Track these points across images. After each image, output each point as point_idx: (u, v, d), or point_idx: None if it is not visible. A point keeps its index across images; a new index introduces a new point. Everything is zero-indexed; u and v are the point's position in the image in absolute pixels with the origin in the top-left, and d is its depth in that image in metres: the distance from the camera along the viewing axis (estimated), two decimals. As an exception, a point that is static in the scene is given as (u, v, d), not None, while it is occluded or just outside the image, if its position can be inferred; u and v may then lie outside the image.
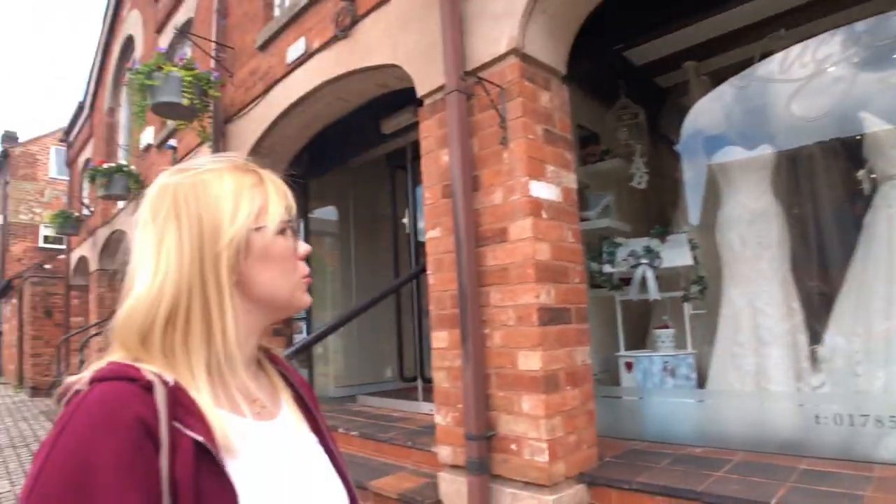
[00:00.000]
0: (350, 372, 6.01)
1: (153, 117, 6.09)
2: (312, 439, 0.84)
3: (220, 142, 5.51)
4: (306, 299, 0.81)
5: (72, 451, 0.58)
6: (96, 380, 0.64)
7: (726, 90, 3.79)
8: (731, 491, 2.21)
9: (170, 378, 0.66)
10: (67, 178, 14.51)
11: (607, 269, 3.62)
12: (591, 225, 4.00)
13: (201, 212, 0.72)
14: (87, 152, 11.51)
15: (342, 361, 6.13)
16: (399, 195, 6.01)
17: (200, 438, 0.64)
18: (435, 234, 3.09)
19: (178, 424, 0.63)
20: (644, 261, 3.45)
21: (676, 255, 3.47)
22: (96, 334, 9.26)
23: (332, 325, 3.19)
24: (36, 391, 12.61)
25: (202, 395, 0.68)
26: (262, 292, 0.76)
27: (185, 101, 4.76)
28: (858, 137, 3.13)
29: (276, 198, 0.78)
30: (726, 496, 2.18)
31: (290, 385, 0.86)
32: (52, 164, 18.82)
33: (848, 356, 2.81)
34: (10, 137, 19.30)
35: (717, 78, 3.94)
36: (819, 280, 3.57)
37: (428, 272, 3.10)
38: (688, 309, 3.50)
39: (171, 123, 6.41)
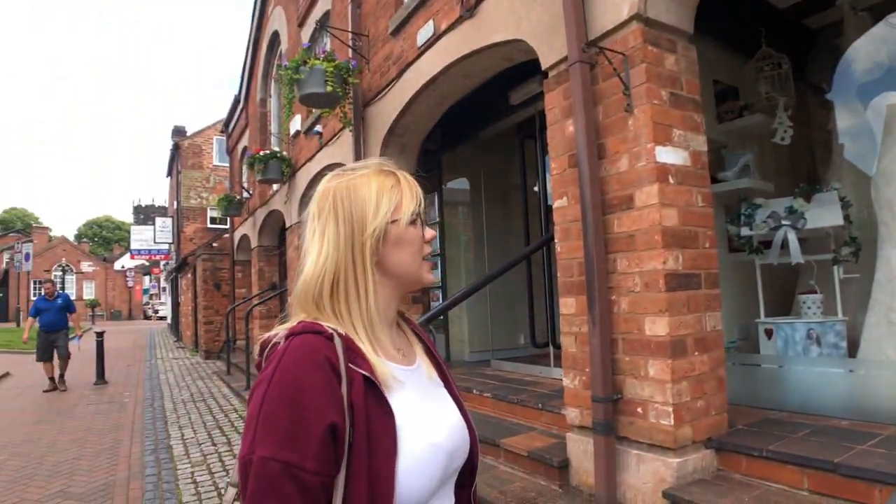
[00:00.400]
0: (484, 338, 6.29)
1: (300, 107, 6.70)
2: (441, 384, 1.05)
3: (359, 125, 5.96)
4: (430, 277, 1.00)
5: (288, 379, 0.81)
6: (293, 334, 0.88)
7: (888, 28, 3.41)
8: (872, 464, 2.12)
9: (342, 332, 0.90)
10: (228, 165, 16.28)
11: (745, 231, 3.47)
12: (730, 186, 3.84)
13: (353, 209, 0.95)
14: (244, 141, 12.82)
15: (477, 328, 6.43)
16: (529, 164, 6.08)
17: (368, 374, 0.86)
18: (562, 203, 3.17)
19: (351, 365, 0.86)
20: (786, 222, 3.27)
21: (825, 214, 3.24)
22: (258, 304, 10.43)
23: (461, 293, 3.41)
24: (209, 354, 14.34)
25: (364, 345, 0.91)
26: (396, 270, 0.97)
27: (327, 90, 5.21)
28: None
29: (409, 196, 0.98)
30: (865, 468, 2.10)
31: (422, 341, 1.09)
32: (215, 153, 21.20)
33: None
34: (179, 132, 21.98)
35: (878, 14, 3.55)
36: None
37: (556, 240, 3.21)
38: (838, 273, 3.27)
39: (316, 111, 6.99)
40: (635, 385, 2.67)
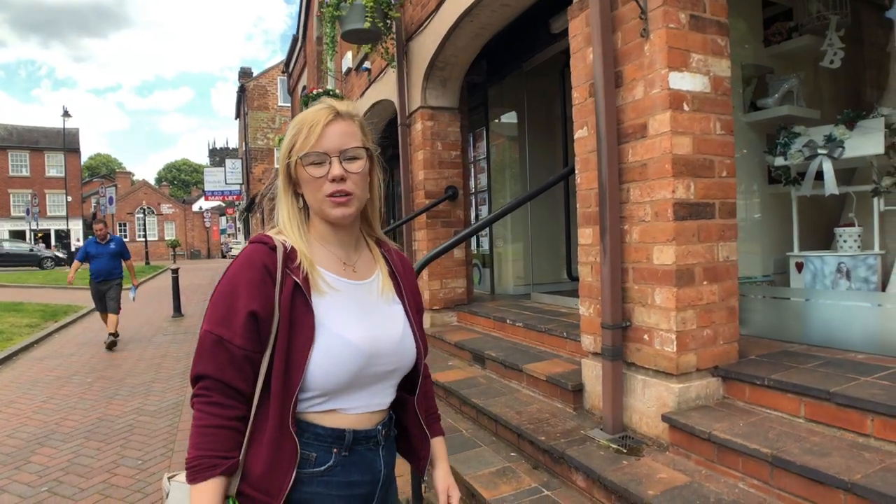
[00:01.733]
0: (526, 271, 6.39)
1: (350, 44, 6.73)
2: (397, 302, 1.22)
3: (402, 60, 5.98)
4: (332, 213, 1.11)
5: (230, 276, 1.07)
6: (249, 243, 1.11)
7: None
8: (868, 394, 2.11)
9: (290, 245, 1.10)
10: (290, 105, 16.66)
11: (781, 161, 3.33)
12: (770, 114, 3.66)
13: (284, 144, 1.15)
14: (303, 80, 13.05)
15: (520, 262, 6.53)
16: (569, 95, 5.94)
17: (298, 279, 1.06)
18: (582, 133, 3.16)
19: (288, 270, 1.07)
20: (822, 151, 3.11)
21: (866, 142, 3.05)
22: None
23: (478, 225, 3.48)
24: None
25: (304, 256, 1.10)
26: (308, 203, 1.14)
27: (366, 26, 5.24)
28: None
29: (304, 138, 1.09)
30: (860, 398, 2.09)
31: (389, 263, 1.25)
32: (279, 93, 21.67)
33: None
34: (246, 74, 22.51)
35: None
36: None
37: (576, 171, 3.21)
38: (878, 205, 3.11)
39: (364, 48, 7.03)
40: (643, 313, 2.72)
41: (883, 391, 2.14)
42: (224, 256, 50.01)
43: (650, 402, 2.67)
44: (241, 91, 22.22)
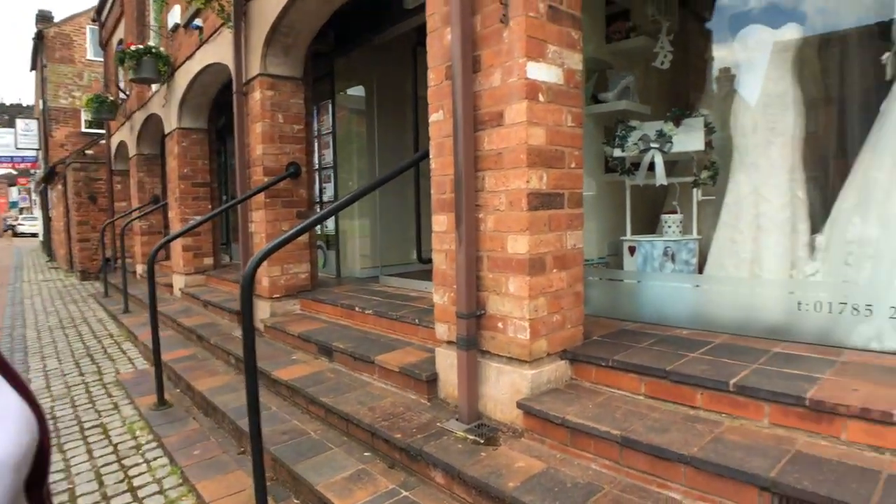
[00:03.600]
0: (374, 254, 6.25)
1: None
2: None
3: (240, 21, 5.42)
4: None
5: None
6: None
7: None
8: (697, 371, 2.33)
9: None
10: (102, 60, 14.57)
11: (618, 153, 3.56)
12: (609, 107, 3.89)
13: None
14: (120, 32, 11.44)
15: (367, 244, 6.36)
16: (421, 74, 5.85)
17: None
18: (438, 117, 3.07)
19: None
20: (654, 145, 3.38)
21: (690, 139, 3.37)
22: (138, 218, 9.70)
23: (324, 213, 3.28)
24: (85, 275, 13.23)
25: None
26: None
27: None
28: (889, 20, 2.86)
29: None
30: (691, 375, 2.31)
31: None
32: (89, 46, 18.81)
33: (841, 246, 2.78)
34: (45, 17, 19.22)
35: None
36: (836, 170, 3.45)
37: (430, 156, 3.13)
38: (696, 195, 3.46)
39: (195, 1, 6.25)
40: (497, 301, 2.74)
41: (708, 366, 2.38)
42: (16, 234, 42.17)
43: (504, 389, 2.72)
44: (39, 38, 18.87)
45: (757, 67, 3.14)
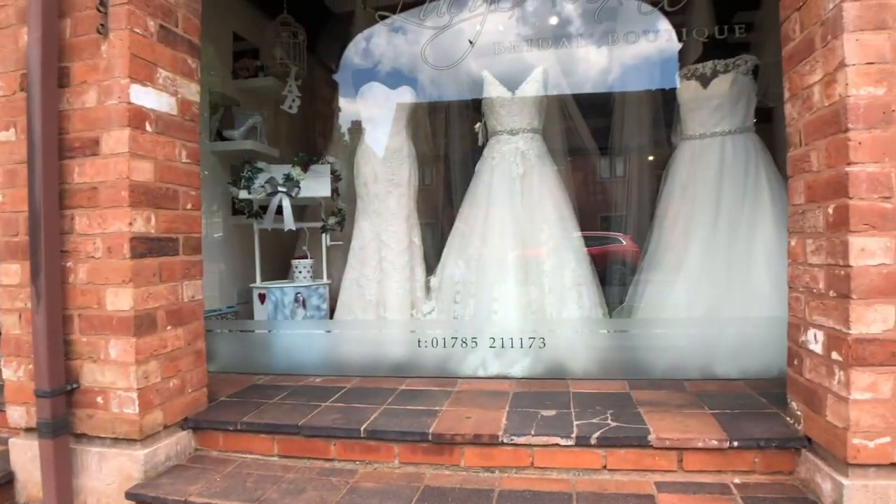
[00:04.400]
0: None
1: None
2: None
3: None
4: None
5: None
6: None
7: (382, 27, 3.80)
8: (329, 421, 2.27)
9: None
10: None
11: (245, 195, 3.36)
12: (235, 146, 3.68)
13: None
14: None
15: None
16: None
17: None
18: (8, 136, 2.36)
19: None
20: (282, 189, 3.30)
21: (317, 185, 3.41)
22: None
23: None
24: None
25: None
26: None
27: None
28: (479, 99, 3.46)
29: None
30: (323, 426, 2.24)
31: None
32: None
33: (451, 286, 3.16)
34: None
35: (380, 14, 3.91)
36: (445, 218, 3.97)
37: (-4, 187, 2.38)
38: (325, 240, 3.51)
39: None
40: (95, 371, 2.20)
41: (340, 414, 2.34)
42: None
43: (110, 477, 2.18)
44: None
45: (378, 122, 3.39)
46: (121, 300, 2.14)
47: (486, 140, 3.44)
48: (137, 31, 2.22)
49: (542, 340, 2.84)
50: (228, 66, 3.86)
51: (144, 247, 2.18)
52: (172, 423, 2.33)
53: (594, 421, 2.15)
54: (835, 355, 1.73)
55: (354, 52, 4.01)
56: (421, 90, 3.65)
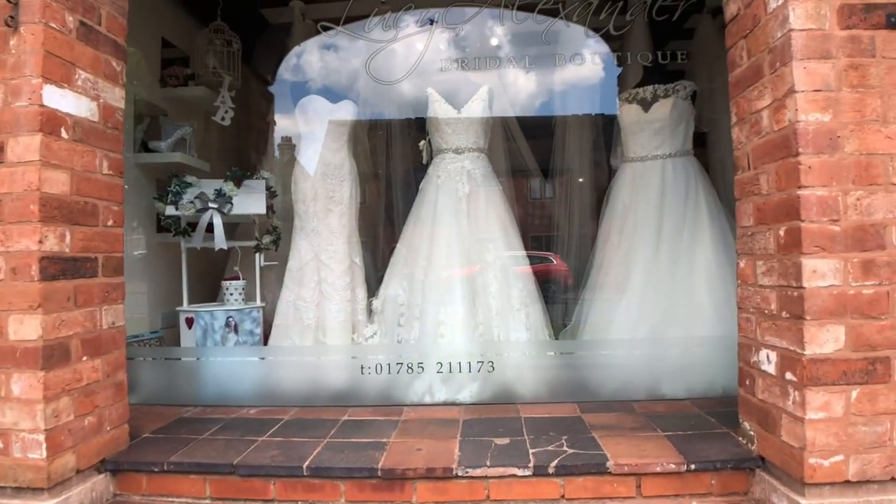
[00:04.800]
0: None
1: None
2: None
3: None
4: None
5: None
6: None
7: (323, 39, 3.68)
8: (268, 458, 2.08)
9: None
10: None
11: (172, 211, 3.11)
12: (162, 158, 3.43)
13: None
14: None
15: None
16: None
17: None
18: None
19: None
20: (213, 205, 3.08)
21: (251, 202, 3.21)
22: None
23: None
24: None
25: None
26: None
27: None
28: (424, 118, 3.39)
29: None
30: (261, 465, 2.05)
31: None
32: None
33: (394, 308, 3.04)
34: None
35: (322, 25, 3.78)
36: (385, 237, 3.85)
37: None
38: (259, 259, 3.30)
39: None
40: (-7, 410, 1.92)
41: (280, 450, 2.15)
42: None
43: (2, 535, 1.89)
44: None
45: (318, 137, 3.24)
46: (27, 328, 1.88)
47: (431, 158, 3.37)
48: (54, 25, 1.99)
49: (490, 364, 2.76)
50: (156, 74, 3.61)
51: (57, 268, 1.94)
52: (87, 466, 2.07)
53: (550, 448, 2.08)
54: (789, 375, 1.74)
55: (293, 64, 3.87)
56: (362, 105, 3.55)
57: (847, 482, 1.67)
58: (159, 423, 2.54)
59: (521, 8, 2.99)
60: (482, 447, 2.11)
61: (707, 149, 3.79)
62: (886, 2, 1.67)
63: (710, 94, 3.66)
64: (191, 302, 3.24)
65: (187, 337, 3.12)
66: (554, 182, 4.06)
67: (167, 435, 2.39)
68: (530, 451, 2.06)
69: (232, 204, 3.13)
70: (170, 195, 3.13)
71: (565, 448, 2.07)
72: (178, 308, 3.19)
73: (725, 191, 3.41)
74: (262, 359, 2.98)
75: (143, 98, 3.45)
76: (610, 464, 1.93)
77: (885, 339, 1.66)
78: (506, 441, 2.17)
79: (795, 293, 1.70)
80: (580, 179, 3.96)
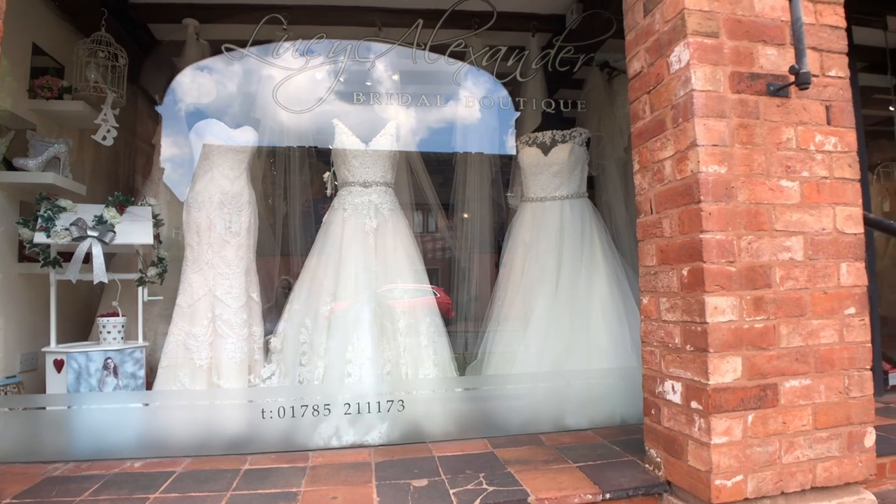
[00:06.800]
0: None
1: None
2: None
3: None
4: None
5: None
6: None
7: (221, 60, 3.49)
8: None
9: None
10: None
11: (41, 238, 2.76)
12: (30, 178, 3.05)
13: None
14: None
15: None
16: None
17: None
18: None
19: None
20: (92, 234, 2.78)
21: (136, 230, 2.94)
22: None
23: None
24: None
25: None
26: None
27: None
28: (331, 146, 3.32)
29: None
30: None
31: None
32: None
33: (296, 347, 2.90)
34: None
35: (218, 45, 3.60)
36: (284, 271, 3.69)
37: None
38: (143, 294, 3.01)
39: None
40: None
41: (174, 511, 1.94)
42: None
43: None
44: None
45: (214, 164, 3.05)
46: None
47: (335, 191, 3.30)
48: None
49: (401, 403, 2.70)
50: (24, 83, 3.21)
51: None
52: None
53: (469, 487, 2.06)
54: (694, 404, 1.88)
55: (185, 85, 3.63)
56: (262, 132, 3.41)
57: (746, 500, 1.83)
58: (22, 484, 2.18)
59: (432, 49, 3.05)
60: (401, 491, 2.05)
61: (595, 191, 4.07)
62: (766, 73, 1.91)
63: (598, 141, 3.96)
64: (60, 342, 2.86)
65: (56, 382, 2.74)
66: (454, 216, 4.14)
67: (34, 499, 2.06)
68: (450, 491, 2.02)
69: (114, 232, 2.85)
70: (39, 220, 2.78)
71: (485, 486, 2.06)
72: (44, 349, 2.81)
73: (612, 231, 3.68)
74: (147, 405, 2.70)
75: (5, 109, 3.07)
76: (531, 499, 1.95)
77: (773, 368, 1.86)
78: (424, 482, 2.12)
79: (699, 328, 1.85)
80: (464, 216, 4.06)
